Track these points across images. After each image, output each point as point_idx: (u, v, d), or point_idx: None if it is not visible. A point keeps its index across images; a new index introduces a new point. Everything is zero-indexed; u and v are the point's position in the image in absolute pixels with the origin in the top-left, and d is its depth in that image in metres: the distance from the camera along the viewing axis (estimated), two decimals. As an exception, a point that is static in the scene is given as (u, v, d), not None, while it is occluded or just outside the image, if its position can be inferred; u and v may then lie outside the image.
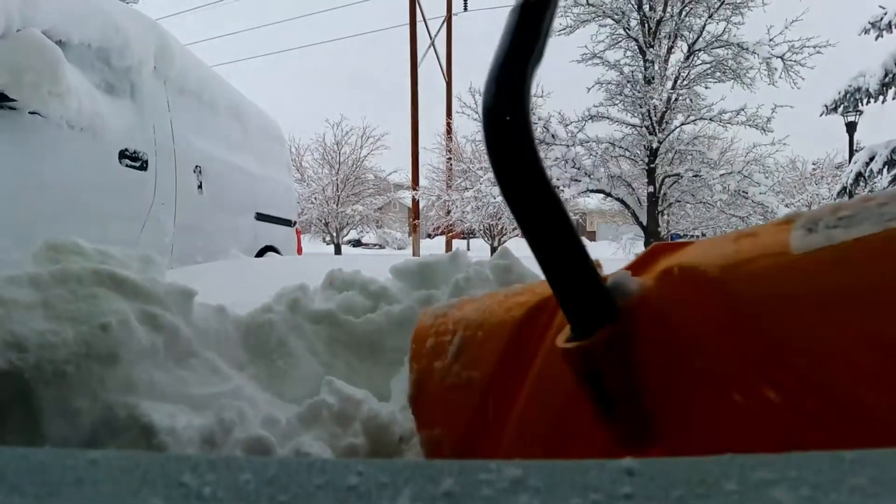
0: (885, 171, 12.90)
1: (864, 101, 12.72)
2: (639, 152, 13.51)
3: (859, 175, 13.15)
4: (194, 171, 4.18)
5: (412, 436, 1.01)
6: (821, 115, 13.42)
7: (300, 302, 1.25)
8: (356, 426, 0.99)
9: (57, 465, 0.34)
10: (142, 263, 1.15)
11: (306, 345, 1.19)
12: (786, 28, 12.71)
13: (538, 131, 13.13)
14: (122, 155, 3.44)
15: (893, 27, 12.55)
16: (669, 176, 13.25)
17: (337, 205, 24.36)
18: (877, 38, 12.78)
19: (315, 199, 24.29)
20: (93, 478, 0.33)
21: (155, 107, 3.82)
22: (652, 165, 13.17)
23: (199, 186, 4.23)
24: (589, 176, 13.03)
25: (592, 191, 13.45)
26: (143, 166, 3.61)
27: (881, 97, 12.36)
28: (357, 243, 33.54)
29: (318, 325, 1.24)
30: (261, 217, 5.18)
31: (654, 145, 12.98)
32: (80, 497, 0.31)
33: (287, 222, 5.79)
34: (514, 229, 17.16)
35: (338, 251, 24.64)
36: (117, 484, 0.32)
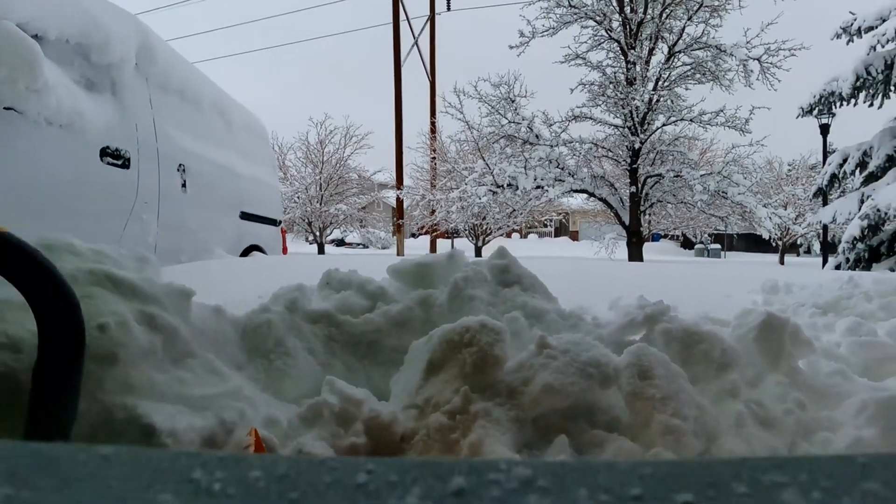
0: (857, 172, 13.20)
1: (837, 104, 13.00)
2: (621, 152, 13.64)
3: (833, 176, 13.44)
4: (178, 170, 4.11)
5: (413, 435, 1.01)
6: (797, 118, 13.68)
7: (298, 302, 1.24)
8: (357, 426, 0.99)
9: (68, 459, 0.34)
10: (137, 263, 1.13)
11: (304, 345, 1.19)
12: (762, 31, 12.95)
13: (522, 131, 13.19)
14: (104, 153, 3.38)
15: (863, 32, 12.85)
16: (651, 176, 13.39)
17: (320, 204, 24.19)
18: (847, 43, 13.08)
19: (298, 198, 24.10)
20: (104, 473, 0.32)
21: (137, 104, 3.75)
22: (634, 165, 13.31)
23: (183, 185, 4.16)
24: (572, 176, 13.12)
25: (576, 191, 13.54)
26: (126, 164, 3.55)
27: (853, 100, 12.64)
28: (340, 243, 33.33)
29: (316, 325, 1.23)
30: (245, 216, 5.12)
31: (637, 146, 13.11)
32: (91, 492, 0.31)
33: (272, 221, 5.73)
34: (498, 229, 17.20)
35: (321, 251, 24.47)
36: (128, 479, 0.32)
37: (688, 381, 1.06)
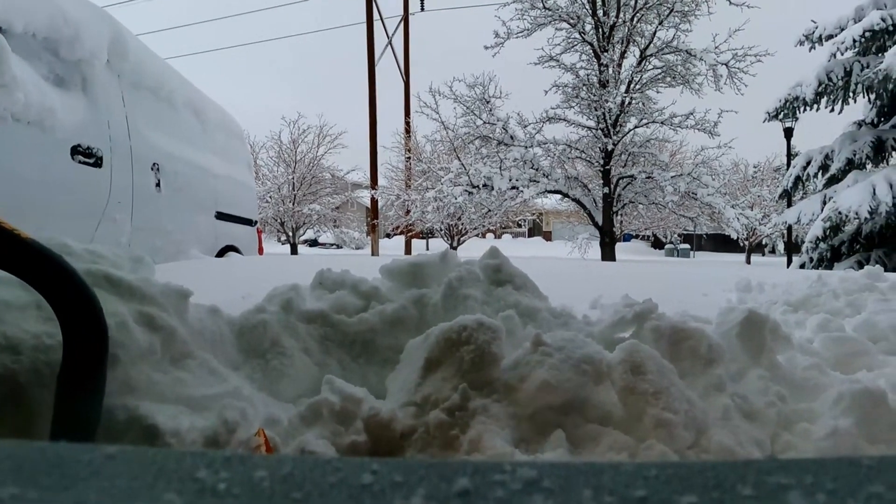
0: (819, 174, 13.65)
1: (801, 109, 13.43)
2: (594, 154, 13.83)
3: (797, 178, 13.87)
4: (152, 169, 4.04)
5: (412, 432, 1.02)
6: (764, 122, 14.09)
7: (293, 302, 1.24)
8: (357, 424, 1.00)
9: (73, 459, 0.34)
10: (133, 264, 1.12)
11: (300, 344, 1.19)
12: (729, 37, 13.29)
13: (497, 132, 13.28)
14: (75, 151, 3.30)
15: (824, 40, 13.31)
16: (623, 177, 13.62)
17: (293, 204, 23.92)
18: (810, 50, 13.54)
19: (270, 197, 23.80)
20: (109, 472, 0.32)
21: (109, 101, 3.66)
22: (607, 167, 13.51)
23: (158, 184, 4.09)
24: (547, 177, 13.25)
25: (550, 191, 13.68)
26: (98, 163, 3.47)
27: (815, 105, 13.08)
28: (314, 243, 32.98)
29: (311, 325, 1.23)
30: (221, 216, 5.04)
31: (609, 147, 13.32)
32: (96, 491, 0.30)
33: (248, 221, 5.66)
34: (473, 229, 17.26)
35: (294, 251, 24.20)
36: (133, 479, 0.32)
37: (677, 377, 1.10)
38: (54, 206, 3.17)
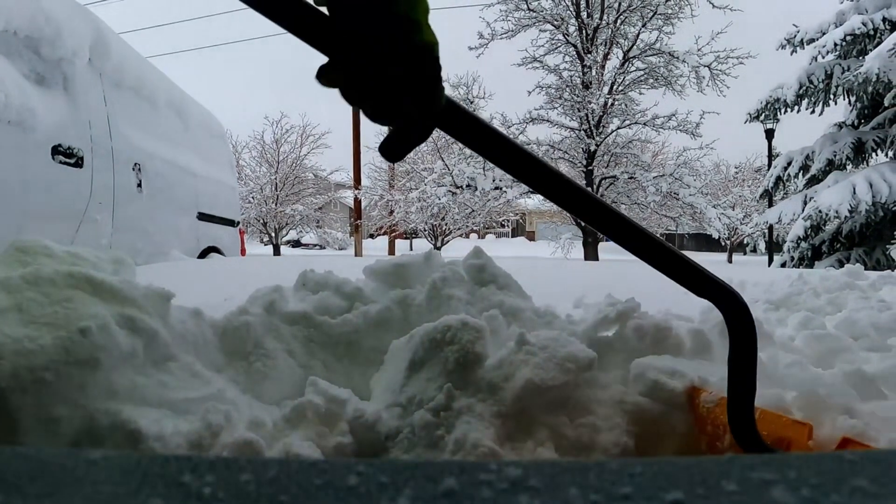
0: (800, 175, 13.88)
1: (782, 110, 13.65)
2: (577, 155, 13.93)
3: (778, 179, 14.09)
4: (133, 169, 3.99)
5: (397, 433, 1.02)
6: (745, 123, 14.29)
7: (276, 303, 1.23)
8: (342, 425, 1.00)
9: (56, 465, 0.34)
10: (114, 265, 1.11)
11: (283, 346, 1.18)
12: (712, 39, 13.48)
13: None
14: (56, 151, 3.26)
15: (805, 44, 13.53)
16: (606, 178, 13.74)
17: (276, 204, 23.76)
18: (791, 54, 13.76)
19: (253, 198, 23.61)
20: (92, 478, 0.32)
21: (90, 101, 3.62)
22: (589, 168, 13.62)
23: (139, 185, 4.04)
24: (531, 177, 13.30)
25: (533, 191, 13.73)
26: (79, 163, 3.43)
27: (796, 107, 13.30)
28: (296, 244, 32.76)
29: (295, 327, 1.23)
30: (203, 217, 5.00)
31: (592, 148, 13.43)
32: (80, 497, 0.30)
33: (230, 222, 5.62)
34: (457, 229, 17.28)
35: (276, 252, 24.04)
36: (117, 484, 0.31)
37: (660, 375, 1.12)
38: (34, 207, 3.13)
